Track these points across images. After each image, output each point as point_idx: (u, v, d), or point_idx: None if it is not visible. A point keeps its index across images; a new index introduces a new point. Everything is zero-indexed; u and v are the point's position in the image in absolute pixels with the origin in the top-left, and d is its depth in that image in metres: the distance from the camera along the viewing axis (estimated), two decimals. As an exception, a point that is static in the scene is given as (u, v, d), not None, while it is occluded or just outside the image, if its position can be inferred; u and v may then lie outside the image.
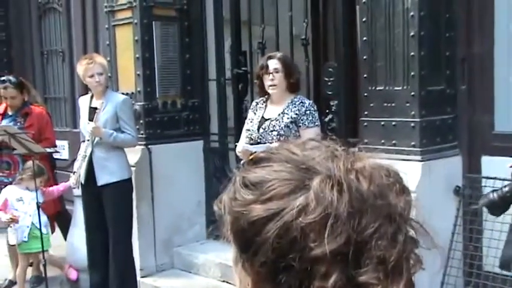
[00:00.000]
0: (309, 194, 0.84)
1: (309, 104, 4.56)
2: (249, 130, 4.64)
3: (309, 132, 4.41)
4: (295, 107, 4.51)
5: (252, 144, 4.51)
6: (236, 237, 0.90)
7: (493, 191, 3.90)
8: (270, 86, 4.53)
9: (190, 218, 6.42)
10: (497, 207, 3.78)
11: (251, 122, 4.65)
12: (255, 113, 4.68)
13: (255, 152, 4.26)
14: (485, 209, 4.38)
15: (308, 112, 4.49)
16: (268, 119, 4.56)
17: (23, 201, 5.67)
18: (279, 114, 4.51)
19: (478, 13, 4.64)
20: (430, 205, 4.21)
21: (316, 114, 4.56)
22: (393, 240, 0.84)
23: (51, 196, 5.90)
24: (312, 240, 0.82)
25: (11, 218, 5.56)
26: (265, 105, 4.66)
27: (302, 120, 4.47)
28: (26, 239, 5.66)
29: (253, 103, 4.81)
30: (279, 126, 4.47)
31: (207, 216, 6.46)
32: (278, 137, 4.44)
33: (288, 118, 4.48)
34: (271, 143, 4.38)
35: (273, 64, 4.52)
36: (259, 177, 0.89)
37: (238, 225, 0.88)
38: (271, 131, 4.48)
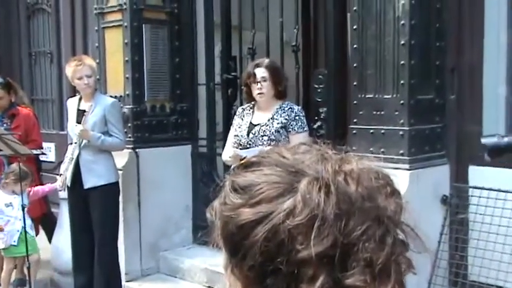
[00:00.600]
0: (296, 196, 0.84)
1: (298, 109, 4.59)
2: (237, 136, 4.65)
3: (298, 137, 4.43)
4: (284, 112, 4.54)
5: (241, 149, 4.53)
6: (226, 241, 0.90)
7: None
8: (258, 94, 4.55)
9: (177, 222, 6.41)
10: (498, 152, 3.63)
11: (239, 127, 4.66)
12: (242, 119, 4.69)
13: (245, 157, 4.29)
14: (471, 215, 4.42)
15: (297, 118, 4.51)
16: (257, 124, 4.57)
17: (12, 206, 5.67)
18: (269, 120, 4.53)
19: (468, 23, 4.69)
20: (417, 214, 4.23)
21: (305, 120, 4.59)
22: (381, 243, 0.84)
23: (36, 196, 5.88)
24: (299, 242, 0.82)
25: None
26: (253, 111, 4.68)
27: (292, 125, 4.50)
28: (15, 243, 5.66)
29: (239, 109, 4.82)
30: (269, 131, 4.49)
31: (194, 220, 6.46)
32: (269, 141, 4.46)
33: (278, 123, 4.50)
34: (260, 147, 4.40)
35: (260, 72, 4.53)
36: (248, 181, 0.89)
37: (228, 229, 0.89)
38: (262, 135, 4.50)
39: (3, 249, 5.74)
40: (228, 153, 4.63)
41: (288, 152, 0.93)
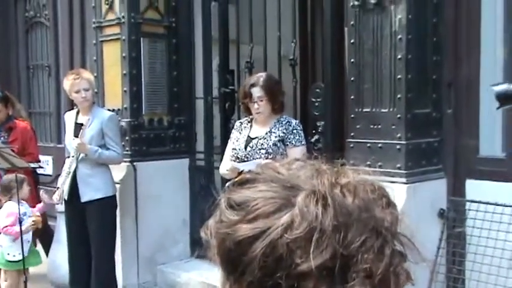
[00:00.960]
0: (293, 210, 0.85)
1: (296, 123, 4.60)
2: (234, 149, 4.66)
3: (295, 151, 4.45)
4: (282, 126, 4.56)
5: (238, 163, 4.54)
6: (223, 259, 0.91)
7: None
8: (256, 113, 4.57)
9: (175, 236, 6.41)
10: (507, 98, 3.56)
11: (237, 141, 4.67)
12: (240, 133, 4.71)
13: (243, 171, 4.30)
14: (469, 224, 4.43)
15: (295, 131, 4.53)
16: (255, 138, 4.59)
17: (27, 215, 5.55)
18: (266, 133, 4.55)
19: (464, 37, 4.71)
20: (415, 228, 4.24)
21: (303, 134, 4.60)
22: (380, 254, 0.85)
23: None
24: (298, 256, 0.83)
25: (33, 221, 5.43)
26: (251, 125, 4.70)
27: (289, 139, 4.51)
28: (26, 254, 5.49)
29: (237, 123, 4.84)
30: (267, 144, 4.51)
31: (192, 234, 6.46)
32: (266, 155, 4.48)
33: (275, 137, 4.52)
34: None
35: (256, 92, 4.53)
36: (244, 198, 0.90)
37: (225, 246, 0.89)
38: (260, 149, 4.52)
39: (13, 261, 5.57)
40: (226, 166, 4.64)
41: (282, 167, 0.94)
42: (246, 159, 4.54)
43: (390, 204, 0.91)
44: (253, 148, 4.54)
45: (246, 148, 4.58)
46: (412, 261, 0.90)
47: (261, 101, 4.52)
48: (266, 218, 0.86)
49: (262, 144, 4.52)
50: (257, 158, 4.48)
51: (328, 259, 0.82)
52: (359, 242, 0.84)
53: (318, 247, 0.82)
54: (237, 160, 4.59)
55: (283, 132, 4.52)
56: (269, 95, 4.52)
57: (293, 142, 4.51)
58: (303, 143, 4.56)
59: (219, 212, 0.92)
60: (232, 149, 4.68)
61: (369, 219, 0.86)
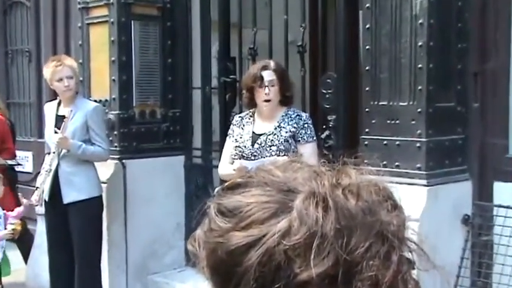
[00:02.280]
0: (291, 214, 0.85)
1: (306, 117, 4.61)
2: (239, 147, 4.62)
3: (307, 147, 4.48)
4: (291, 120, 4.55)
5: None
6: (214, 271, 0.91)
7: None
8: (264, 101, 4.54)
9: (168, 242, 6.41)
10: None
11: (240, 137, 4.64)
12: (242, 128, 4.68)
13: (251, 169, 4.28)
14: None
15: (306, 126, 4.54)
16: (262, 134, 4.56)
17: (1, 218, 5.51)
18: (276, 128, 4.53)
19: (493, 23, 4.69)
20: (435, 235, 4.23)
21: (313, 127, 4.62)
22: (386, 260, 0.85)
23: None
24: (298, 264, 0.83)
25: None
26: (253, 120, 4.67)
27: (300, 134, 4.52)
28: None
29: (237, 118, 4.81)
30: (278, 140, 4.50)
31: (187, 240, 6.44)
32: (277, 152, 4.46)
33: (286, 132, 4.51)
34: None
35: (268, 76, 4.52)
36: (236, 203, 0.90)
37: (216, 257, 0.89)
38: (270, 146, 4.50)
39: None
40: (226, 166, 4.60)
41: (277, 169, 0.94)
42: (253, 158, 4.52)
43: (396, 206, 0.91)
44: (262, 145, 4.52)
45: (253, 145, 4.55)
46: (422, 269, 0.91)
47: (272, 86, 4.51)
48: (261, 225, 0.86)
49: (272, 140, 4.51)
50: (266, 156, 4.46)
51: (330, 267, 0.83)
52: (364, 247, 0.84)
53: (319, 254, 0.83)
54: (242, 159, 4.56)
55: (294, 127, 4.52)
56: (281, 81, 4.54)
57: (305, 138, 4.52)
58: (314, 138, 4.61)
59: (208, 220, 0.92)
60: (236, 146, 4.64)
61: (374, 222, 0.86)
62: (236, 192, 0.92)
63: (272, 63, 4.64)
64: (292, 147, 4.51)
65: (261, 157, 4.47)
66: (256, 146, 4.55)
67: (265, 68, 4.57)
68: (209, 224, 0.92)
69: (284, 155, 4.39)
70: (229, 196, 0.92)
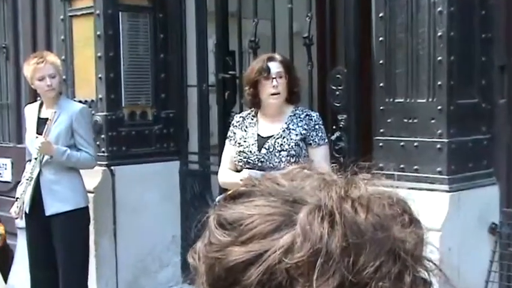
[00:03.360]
0: (295, 229, 0.85)
1: (317, 116, 4.59)
2: (243, 152, 4.57)
3: (320, 151, 4.48)
4: (301, 120, 4.52)
5: (252, 169, 4.46)
6: None
7: None
8: (272, 94, 4.52)
9: (162, 257, 6.41)
10: None
11: (244, 141, 4.60)
12: (245, 131, 4.65)
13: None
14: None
15: (317, 127, 4.53)
16: (269, 136, 4.53)
17: None
18: (284, 130, 4.50)
19: (521, 10, 4.69)
20: (459, 246, 4.22)
21: (324, 128, 4.63)
22: (398, 281, 0.85)
23: None
24: (300, 284, 0.83)
25: None
26: (257, 120, 4.64)
27: (312, 136, 4.49)
28: None
29: (238, 118, 4.76)
30: (288, 144, 4.46)
31: (183, 254, 6.44)
32: (288, 158, 4.43)
33: (296, 134, 4.49)
34: (277, 166, 4.36)
35: (276, 67, 4.52)
36: (237, 215, 0.90)
37: (215, 273, 0.89)
38: (279, 151, 4.46)
39: None
40: (239, 174, 4.51)
41: (283, 178, 0.94)
42: (260, 165, 4.48)
43: (412, 221, 0.91)
44: (271, 150, 4.48)
45: (260, 150, 4.51)
46: None
47: (280, 77, 4.51)
48: (263, 239, 0.86)
49: (281, 144, 4.47)
50: (276, 162, 4.43)
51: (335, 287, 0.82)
52: (373, 267, 0.84)
53: (323, 274, 0.83)
54: (247, 166, 4.53)
55: (305, 129, 4.49)
56: (288, 74, 4.53)
57: (316, 140, 4.50)
58: (326, 140, 4.61)
59: (207, 232, 0.93)
60: (240, 152, 4.59)
61: (386, 239, 0.86)
62: (238, 203, 0.92)
63: (277, 56, 4.65)
64: (304, 151, 4.49)
65: (269, 163, 4.44)
66: (263, 151, 4.50)
67: (271, 59, 4.57)
68: (208, 237, 0.92)
69: (295, 160, 4.37)
70: (231, 207, 0.92)
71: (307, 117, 4.55)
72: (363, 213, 0.87)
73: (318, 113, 4.74)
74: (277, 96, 4.52)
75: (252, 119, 4.66)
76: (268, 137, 4.53)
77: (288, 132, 4.50)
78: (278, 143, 4.48)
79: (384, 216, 0.88)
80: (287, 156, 4.44)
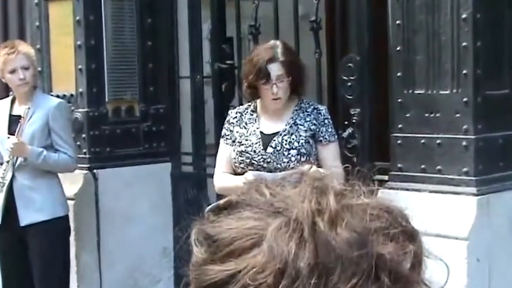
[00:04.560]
0: (262, 246, 0.87)
1: (325, 110, 4.62)
2: (245, 152, 4.55)
3: (331, 148, 4.53)
4: (309, 115, 4.52)
5: (256, 170, 4.44)
6: None
7: None
8: (273, 100, 4.53)
9: (153, 272, 6.41)
10: None
11: (246, 140, 4.58)
12: (245, 128, 4.64)
13: None
14: None
15: (327, 121, 4.55)
16: (274, 133, 4.52)
17: None
18: (291, 126, 4.50)
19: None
20: (489, 257, 4.22)
21: (332, 122, 4.64)
22: None
23: None
24: None
25: None
26: (257, 116, 4.64)
27: (322, 132, 4.50)
28: None
29: (234, 114, 4.72)
30: (298, 142, 4.45)
31: (176, 268, 6.45)
32: (298, 157, 4.43)
33: (305, 130, 4.49)
34: (285, 167, 4.36)
35: (276, 70, 4.47)
36: (217, 229, 0.92)
37: None
38: (288, 149, 4.45)
39: None
40: (241, 177, 4.48)
41: (271, 185, 0.96)
42: (265, 166, 4.48)
43: (405, 234, 0.91)
44: (278, 149, 4.47)
45: (265, 149, 4.50)
46: None
47: (281, 82, 4.47)
48: (239, 257, 0.88)
49: (290, 142, 4.47)
50: (285, 162, 4.42)
51: None
52: None
53: None
54: (250, 167, 4.52)
55: (314, 124, 4.50)
56: (292, 74, 4.48)
57: (327, 137, 4.52)
58: (336, 137, 4.65)
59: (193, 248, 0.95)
60: (241, 152, 4.58)
61: (363, 257, 0.87)
62: (224, 215, 0.94)
63: (279, 51, 4.54)
64: (314, 149, 4.50)
65: (277, 164, 4.43)
66: (270, 149, 4.49)
67: (271, 60, 4.51)
68: (193, 254, 0.95)
69: (306, 160, 4.37)
70: (215, 219, 0.94)
71: (315, 111, 4.56)
72: (337, 228, 0.87)
73: (325, 107, 4.76)
74: (278, 101, 4.53)
75: (252, 114, 4.65)
76: (273, 134, 4.51)
77: (295, 128, 4.50)
78: (286, 140, 4.48)
79: (363, 231, 0.88)
80: (297, 155, 4.44)
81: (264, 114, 4.63)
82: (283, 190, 0.94)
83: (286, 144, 4.48)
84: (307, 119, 4.53)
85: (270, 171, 4.38)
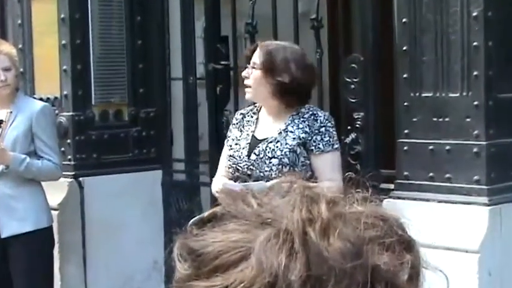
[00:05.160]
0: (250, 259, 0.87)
1: (325, 117, 4.48)
2: (232, 156, 4.59)
3: (325, 158, 4.41)
4: (303, 121, 4.44)
5: (238, 180, 4.46)
6: None
7: None
8: (245, 86, 4.54)
9: (142, 286, 6.41)
10: None
11: (236, 144, 4.60)
12: (241, 130, 4.65)
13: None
14: None
15: (323, 129, 4.44)
16: (264, 139, 4.53)
17: None
18: (281, 132, 4.47)
19: None
20: (502, 271, 4.23)
21: (335, 132, 4.53)
22: None
23: None
24: None
25: None
26: (257, 119, 4.63)
27: (314, 141, 4.42)
28: None
29: (238, 115, 4.75)
30: (281, 150, 4.42)
31: (167, 284, 6.45)
32: (279, 166, 4.40)
33: (293, 138, 4.44)
34: (268, 175, 4.36)
35: (256, 56, 4.47)
36: (202, 243, 0.92)
37: None
38: (270, 158, 4.44)
39: None
40: (214, 185, 4.58)
41: (259, 195, 0.96)
42: (250, 173, 4.48)
43: (402, 243, 0.92)
44: (261, 156, 4.46)
45: (249, 156, 4.50)
46: None
47: (254, 68, 4.46)
48: (226, 271, 0.88)
49: (273, 150, 4.44)
50: (266, 171, 4.42)
51: None
52: None
53: None
54: (236, 173, 4.53)
55: (306, 132, 4.43)
56: (267, 67, 4.41)
57: (320, 146, 4.42)
58: (335, 146, 4.47)
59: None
60: (230, 156, 4.60)
61: (357, 268, 0.87)
62: (208, 227, 0.94)
63: (270, 44, 4.54)
64: (302, 159, 4.43)
65: (260, 172, 4.42)
66: (253, 156, 4.48)
67: (256, 47, 4.55)
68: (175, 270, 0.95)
69: (289, 170, 4.33)
70: (199, 233, 0.94)
71: (312, 117, 4.45)
72: (330, 238, 0.88)
73: (327, 113, 4.66)
74: (248, 90, 4.52)
75: (252, 117, 4.63)
76: (263, 140, 4.50)
77: (284, 135, 4.43)
78: (270, 148, 4.44)
79: (357, 241, 0.89)
80: (278, 164, 4.37)
81: (265, 118, 4.59)
82: (271, 200, 0.94)
83: (269, 152, 4.44)
84: (300, 126, 4.45)
85: (257, 179, 4.37)
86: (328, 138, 4.45)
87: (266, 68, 4.42)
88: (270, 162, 4.42)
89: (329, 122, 4.50)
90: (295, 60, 4.51)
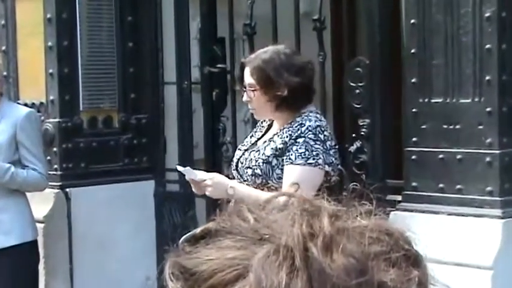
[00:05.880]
0: (248, 277, 0.88)
1: (308, 128, 4.36)
2: (232, 161, 4.69)
3: (292, 172, 4.29)
4: (288, 130, 4.32)
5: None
6: None
7: None
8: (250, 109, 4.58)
9: (133, 305, 6.42)
10: None
11: (239, 149, 4.63)
12: (252, 136, 4.65)
13: (204, 181, 4.38)
14: None
15: (301, 140, 4.31)
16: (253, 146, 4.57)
17: None
18: (265, 141, 4.45)
19: None
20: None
21: (318, 147, 4.37)
22: None
23: None
24: None
25: None
26: (269, 125, 4.56)
27: (289, 151, 4.30)
28: None
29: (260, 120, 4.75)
30: (256, 161, 4.41)
31: (160, 302, 6.46)
32: (253, 177, 4.38)
33: (272, 148, 4.39)
34: (248, 184, 4.38)
35: (247, 77, 4.43)
36: (195, 261, 0.92)
37: None
38: (246, 167, 4.43)
39: None
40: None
41: (254, 209, 0.96)
42: (239, 181, 4.51)
43: (409, 259, 0.92)
44: (241, 165, 4.49)
45: (237, 164, 4.54)
46: None
47: (253, 90, 4.43)
48: None
49: (250, 160, 4.44)
50: (246, 181, 4.43)
51: None
52: None
53: None
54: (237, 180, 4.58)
55: (284, 142, 4.37)
56: (264, 83, 4.37)
57: (290, 157, 4.31)
58: (310, 161, 4.30)
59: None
60: (231, 159, 4.71)
61: (363, 286, 0.87)
62: (202, 244, 0.94)
63: (259, 56, 4.45)
64: (278, 171, 4.28)
65: (244, 180, 4.45)
66: (239, 164, 4.53)
67: (244, 64, 4.53)
68: None
69: (262, 182, 4.34)
70: (192, 250, 0.94)
71: (299, 125, 4.37)
72: (333, 254, 0.88)
73: (316, 124, 4.40)
74: (254, 111, 4.56)
75: (262, 122, 4.66)
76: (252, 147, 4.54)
77: (267, 144, 4.43)
78: (248, 158, 4.46)
79: (361, 256, 0.89)
80: (251, 175, 4.36)
81: (275, 125, 4.55)
82: (269, 214, 0.94)
83: (246, 161, 4.47)
84: (283, 135, 4.38)
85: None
86: (303, 150, 4.31)
87: (262, 85, 4.39)
88: (246, 172, 4.43)
89: (312, 133, 4.36)
90: (285, 66, 4.43)
